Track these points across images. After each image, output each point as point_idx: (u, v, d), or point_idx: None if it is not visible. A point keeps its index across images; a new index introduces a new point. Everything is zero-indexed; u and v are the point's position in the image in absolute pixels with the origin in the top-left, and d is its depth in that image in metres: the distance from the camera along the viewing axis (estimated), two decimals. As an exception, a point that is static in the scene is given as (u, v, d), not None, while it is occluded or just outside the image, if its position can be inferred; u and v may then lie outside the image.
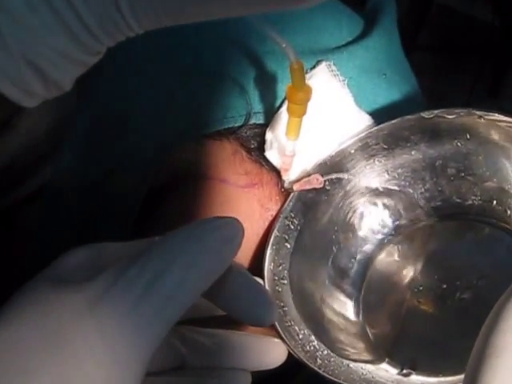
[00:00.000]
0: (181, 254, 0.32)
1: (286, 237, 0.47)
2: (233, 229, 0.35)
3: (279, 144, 0.45)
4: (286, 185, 0.47)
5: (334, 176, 0.48)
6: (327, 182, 0.48)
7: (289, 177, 0.46)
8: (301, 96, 0.41)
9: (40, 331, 0.30)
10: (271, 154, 0.45)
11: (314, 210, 0.48)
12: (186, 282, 0.32)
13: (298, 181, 0.46)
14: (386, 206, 0.50)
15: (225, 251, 0.34)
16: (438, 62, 1.36)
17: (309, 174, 0.47)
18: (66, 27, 0.29)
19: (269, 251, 0.46)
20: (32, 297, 0.32)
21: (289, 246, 0.48)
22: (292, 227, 0.47)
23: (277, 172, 0.46)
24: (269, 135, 0.45)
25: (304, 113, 0.42)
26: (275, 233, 0.47)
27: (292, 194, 0.47)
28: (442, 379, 0.44)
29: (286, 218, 0.47)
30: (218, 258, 0.34)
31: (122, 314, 0.30)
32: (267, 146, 0.45)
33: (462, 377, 0.43)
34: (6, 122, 0.33)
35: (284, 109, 0.44)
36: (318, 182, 0.46)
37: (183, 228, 0.34)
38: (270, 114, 0.46)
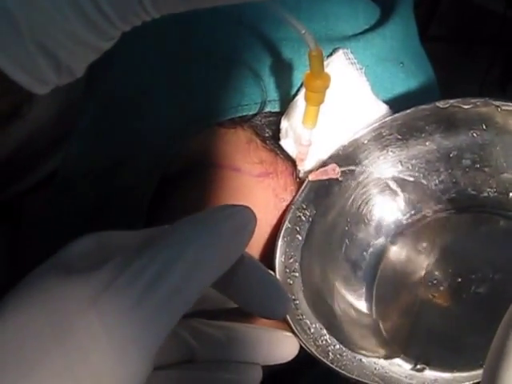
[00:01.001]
0: (189, 243, 0.31)
1: (298, 228, 0.47)
2: (245, 217, 0.34)
3: (295, 133, 0.44)
4: (301, 174, 0.46)
5: (349, 168, 0.47)
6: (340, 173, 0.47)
7: (304, 166, 0.46)
8: (319, 84, 0.41)
9: (46, 320, 0.30)
10: (286, 143, 0.45)
11: (326, 201, 0.48)
12: (194, 272, 0.31)
13: (313, 170, 0.46)
14: (399, 198, 0.49)
15: (236, 240, 0.33)
16: (448, 53, 1.35)
17: (324, 164, 0.46)
18: (80, 11, 0.28)
19: (280, 243, 0.46)
20: (38, 285, 0.31)
21: (300, 238, 0.47)
22: (304, 218, 0.47)
23: (292, 161, 0.46)
24: (284, 123, 0.45)
25: (322, 101, 0.42)
26: (286, 224, 0.46)
27: (304, 185, 0.46)
28: (457, 375, 0.43)
29: (298, 209, 0.46)
30: (229, 248, 0.33)
31: (126, 307, 0.30)
32: (282, 134, 0.45)
33: (476, 373, 0.42)
34: (16, 110, 0.32)
35: (300, 97, 0.44)
36: (334, 172, 0.45)
37: (193, 216, 0.33)
38: (286, 102, 0.45)
